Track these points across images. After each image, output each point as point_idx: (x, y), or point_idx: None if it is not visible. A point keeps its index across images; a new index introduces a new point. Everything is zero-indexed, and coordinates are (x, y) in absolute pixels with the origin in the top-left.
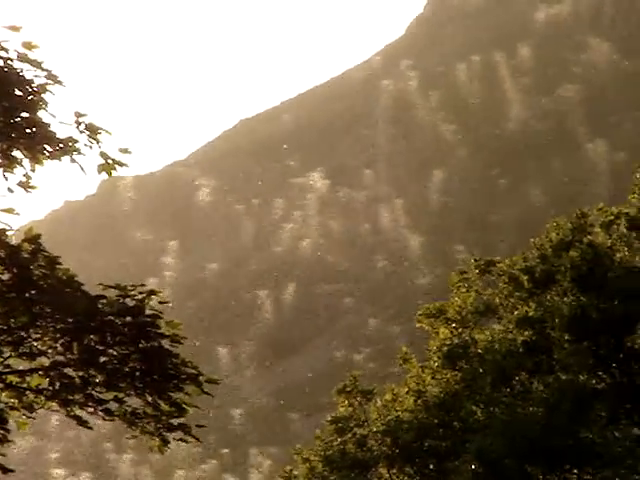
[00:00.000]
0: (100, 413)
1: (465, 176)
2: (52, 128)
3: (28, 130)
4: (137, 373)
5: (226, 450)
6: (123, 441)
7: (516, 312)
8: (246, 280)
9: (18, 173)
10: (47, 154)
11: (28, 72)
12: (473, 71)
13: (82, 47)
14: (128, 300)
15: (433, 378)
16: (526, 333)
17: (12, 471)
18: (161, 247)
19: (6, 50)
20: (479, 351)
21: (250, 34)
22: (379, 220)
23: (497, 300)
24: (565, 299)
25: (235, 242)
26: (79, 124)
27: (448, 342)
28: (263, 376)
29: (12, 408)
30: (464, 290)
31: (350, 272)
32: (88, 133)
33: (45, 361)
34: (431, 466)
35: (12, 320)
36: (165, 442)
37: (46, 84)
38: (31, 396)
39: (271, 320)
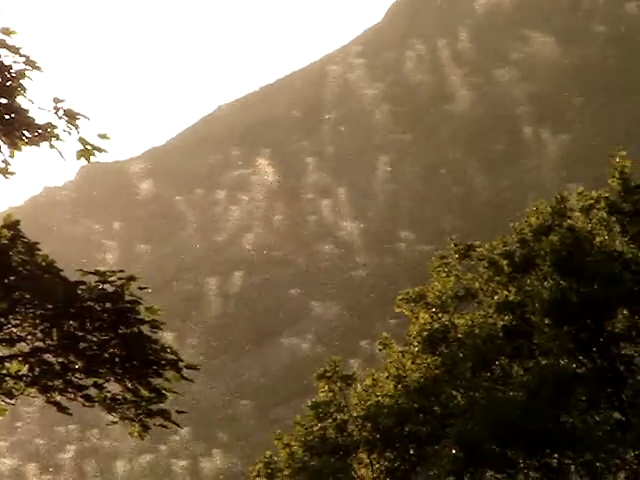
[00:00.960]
0: (80, 399)
1: (411, 163)
2: (31, 114)
3: (6, 116)
4: (117, 359)
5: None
6: (69, 432)
7: (496, 297)
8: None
9: None
10: (26, 140)
11: (6, 58)
12: (419, 59)
13: (60, 32)
14: (107, 286)
15: (413, 363)
16: (506, 318)
17: None
18: (105, 236)
19: None
20: (459, 336)
21: (227, 20)
22: (324, 209)
23: (477, 285)
24: (545, 283)
25: (178, 232)
26: (58, 110)
27: (428, 327)
28: (211, 370)
29: None
30: (444, 275)
31: (295, 261)
32: (67, 119)
33: (24, 347)
34: (411, 451)
35: None
36: (145, 428)
37: (24, 70)
38: (10, 382)
39: (217, 310)
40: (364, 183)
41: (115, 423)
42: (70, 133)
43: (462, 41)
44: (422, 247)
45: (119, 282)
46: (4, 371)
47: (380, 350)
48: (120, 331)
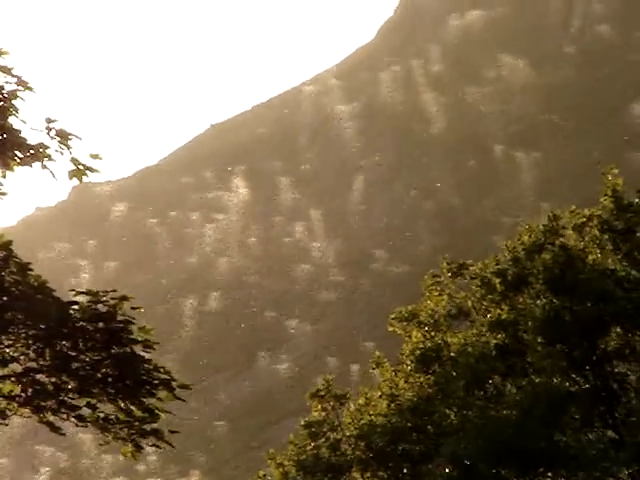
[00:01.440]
0: (73, 419)
1: (386, 184)
2: (23, 134)
3: None
4: (109, 379)
5: None
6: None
7: (489, 315)
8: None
9: None
10: (18, 160)
11: None
12: (393, 80)
13: (51, 49)
14: (100, 306)
15: (406, 382)
16: (499, 336)
17: None
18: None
19: None
20: (452, 354)
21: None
22: (298, 230)
23: (469, 303)
24: (538, 302)
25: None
26: (50, 130)
27: (421, 346)
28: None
29: None
30: (436, 293)
31: (269, 282)
32: (59, 139)
33: (17, 367)
34: (405, 470)
35: None
36: (139, 448)
37: (16, 90)
38: (3, 403)
39: (193, 332)
40: (339, 204)
41: (108, 443)
42: (62, 153)
43: (436, 62)
44: (397, 267)
45: (112, 302)
46: None
47: (373, 369)
48: (113, 351)
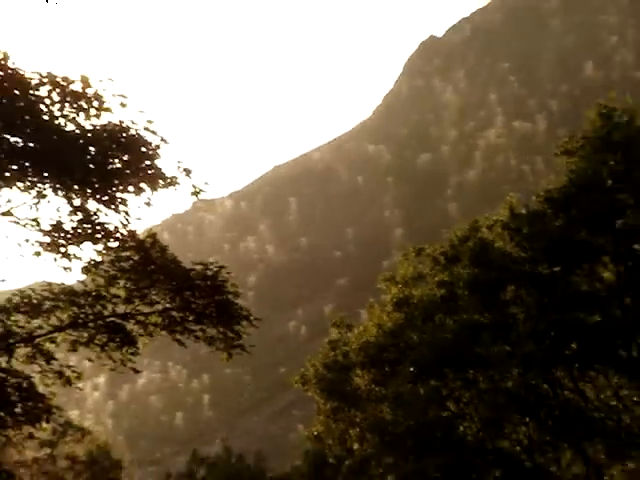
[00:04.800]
0: (192, 338)
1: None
2: (163, 170)
3: (150, 171)
4: (214, 314)
5: None
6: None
7: (436, 278)
8: None
9: (144, 196)
10: (161, 186)
11: (149, 136)
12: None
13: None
14: (208, 271)
15: (387, 317)
16: (442, 291)
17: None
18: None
19: (136, 124)
20: (415, 301)
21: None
22: None
23: (425, 271)
24: (465, 270)
25: None
26: (179, 167)
27: (396, 295)
28: None
29: (140, 335)
30: (406, 265)
31: None
32: (185, 173)
33: (159, 307)
34: (386, 369)
35: (140, 283)
36: (230, 355)
37: (159, 145)
38: (151, 327)
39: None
40: None
41: (214, 351)
42: (186, 181)
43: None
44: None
45: (215, 269)
46: (147, 321)
47: (371, 308)
48: (216, 297)
